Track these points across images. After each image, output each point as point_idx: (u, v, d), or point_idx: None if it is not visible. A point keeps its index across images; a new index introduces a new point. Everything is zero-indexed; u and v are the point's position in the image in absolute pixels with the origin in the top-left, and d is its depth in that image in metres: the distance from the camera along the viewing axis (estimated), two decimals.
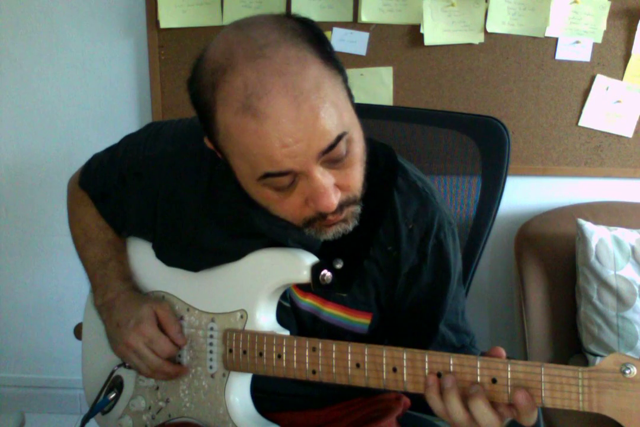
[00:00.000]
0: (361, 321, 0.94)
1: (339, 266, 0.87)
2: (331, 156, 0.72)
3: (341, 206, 0.76)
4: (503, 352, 0.76)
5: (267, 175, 0.72)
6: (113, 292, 0.97)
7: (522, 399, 0.70)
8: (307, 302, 0.94)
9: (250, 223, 0.89)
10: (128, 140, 1.03)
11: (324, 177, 0.72)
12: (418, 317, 0.95)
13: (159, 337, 0.91)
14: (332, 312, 0.93)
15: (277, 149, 0.69)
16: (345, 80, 0.75)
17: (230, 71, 0.69)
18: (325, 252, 0.88)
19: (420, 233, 0.90)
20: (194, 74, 0.75)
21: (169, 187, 0.94)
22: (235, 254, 0.92)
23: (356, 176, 0.77)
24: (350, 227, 0.80)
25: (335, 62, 0.74)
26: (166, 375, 0.94)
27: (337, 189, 0.74)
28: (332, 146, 0.71)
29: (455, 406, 0.73)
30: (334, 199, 0.73)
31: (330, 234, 0.79)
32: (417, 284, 0.92)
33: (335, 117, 0.70)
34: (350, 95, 0.76)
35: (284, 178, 0.72)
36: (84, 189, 1.08)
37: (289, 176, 0.72)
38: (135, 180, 0.98)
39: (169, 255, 0.98)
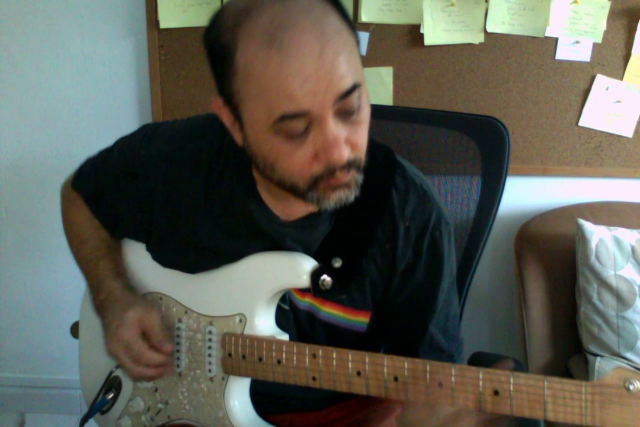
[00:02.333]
0: (360, 319, 0.94)
1: (337, 264, 0.87)
2: (345, 106, 0.72)
3: (349, 164, 0.75)
4: (510, 364, 0.76)
5: (283, 117, 0.71)
6: (104, 293, 0.96)
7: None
8: (306, 301, 0.94)
9: (248, 220, 0.89)
10: (122, 142, 1.03)
11: (337, 128, 0.73)
12: (408, 316, 0.94)
13: (134, 343, 0.89)
14: (330, 311, 0.93)
15: (298, 85, 0.69)
16: (357, 43, 0.77)
17: (256, 9, 0.71)
18: (324, 251, 0.89)
19: (417, 231, 0.90)
20: (213, 22, 0.76)
21: (165, 186, 0.94)
22: (232, 255, 0.92)
23: (364, 136, 0.77)
24: (352, 195, 0.79)
25: (351, 24, 0.75)
26: (149, 379, 0.93)
27: (347, 144, 0.74)
28: (348, 92, 0.71)
29: None
30: (345, 151, 0.73)
31: (333, 200, 0.78)
32: (411, 282, 0.92)
33: (352, 66, 0.72)
34: (360, 58, 0.77)
35: (298, 122, 0.71)
36: (77, 190, 1.08)
37: (304, 121, 0.71)
38: (128, 181, 0.97)
39: (165, 256, 0.98)
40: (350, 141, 0.75)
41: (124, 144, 1.02)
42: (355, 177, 0.78)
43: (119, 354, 0.90)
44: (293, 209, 0.88)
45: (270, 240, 0.90)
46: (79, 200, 1.07)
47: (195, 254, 0.94)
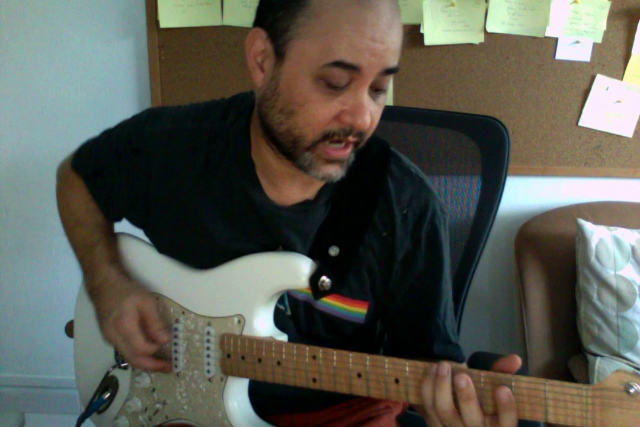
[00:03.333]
0: (357, 310, 0.94)
1: (334, 252, 0.87)
2: (379, 82, 0.76)
3: (359, 134, 0.78)
4: (519, 361, 0.74)
5: (336, 63, 0.72)
6: (99, 278, 0.96)
7: (504, 395, 0.70)
8: (305, 292, 0.93)
9: (245, 202, 0.89)
10: (126, 121, 1.03)
11: (368, 99, 0.76)
12: (415, 310, 0.94)
13: (132, 336, 0.90)
14: (327, 301, 0.92)
15: (366, 39, 0.72)
16: None
17: None
18: (321, 239, 0.89)
19: (414, 218, 0.90)
20: None
21: (164, 164, 0.94)
22: (226, 238, 0.91)
23: (378, 118, 0.80)
24: (340, 174, 0.81)
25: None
26: (147, 369, 0.94)
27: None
28: (391, 70, 0.76)
29: (445, 395, 0.72)
30: (368, 119, 0.76)
31: (322, 172, 0.80)
32: (412, 271, 0.92)
33: (400, 50, 0.77)
34: None
35: (345, 74, 0.73)
36: (76, 171, 1.07)
37: (349, 76, 0.73)
38: (131, 157, 0.97)
39: (161, 237, 0.98)
40: (370, 115, 0.77)
41: (127, 123, 1.02)
42: (351, 156, 0.81)
43: (117, 343, 0.92)
44: (288, 196, 0.88)
45: (264, 225, 0.90)
46: (77, 181, 1.06)
47: (191, 235, 0.93)
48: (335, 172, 0.80)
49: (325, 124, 0.76)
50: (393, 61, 0.75)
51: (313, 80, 0.74)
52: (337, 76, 0.73)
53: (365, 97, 0.75)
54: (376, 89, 0.77)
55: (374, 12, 0.72)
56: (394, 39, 0.74)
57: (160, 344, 0.92)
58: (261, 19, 0.79)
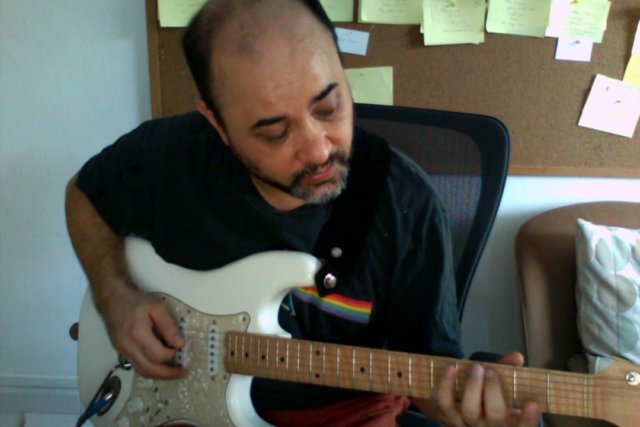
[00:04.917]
0: (361, 310, 0.94)
1: (337, 254, 0.88)
2: (322, 106, 0.73)
3: (331, 158, 0.76)
4: (521, 358, 0.76)
5: (261, 123, 0.72)
6: (106, 290, 0.97)
7: (533, 411, 0.71)
8: (309, 294, 0.94)
9: (246, 212, 0.90)
10: (125, 138, 1.04)
11: (315, 127, 0.73)
12: (413, 306, 0.94)
13: (151, 344, 0.90)
14: (331, 302, 0.93)
15: (271, 90, 0.70)
16: (335, 38, 0.77)
17: (227, 16, 0.71)
18: (323, 241, 0.89)
19: (415, 218, 0.90)
20: (190, 27, 0.76)
21: (165, 179, 0.95)
22: (233, 247, 0.92)
23: (347, 130, 0.78)
24: (337, 189, 0.80)
25: (326, 19, 0.76)
26: (162, 378, 0.94)
27: (327, 140, 0.75)
28: (323, 93, 0.72)
29: (475, 397, 0.73)
30: (325, 149, 0.74)
31: (318, 195, 0.80)
32: (413, 269, 0.92)
33: (327, 66, 0.72)
34: (340, 54, 0.78)
35: (276, 126, 0.72)
36: (81, 188, 1.09)
37: (282, 124, 0.73)
38: (131, 175, 0.98)
39: (168, 249, 0.98)
40: (331, 137, 0.76)
41: (126, 140, 1.03)
42: (340, 170, 0.80)
43: (133, 353, 0.91)
44: (288, 201, 0.89)
45: (268, 232, 0.90)
46: (82, 198, 1.08)
47: (197, 246, 0.94)
48: (330, 190, 0.80)
49: (288, 168, 0.76)
50: (318, 86, 0.71)
51: (253, 139, 0.75)
52: (271, 130, 0.73)
53: (310, 131, 0.73)
54: (324, 112, 0.74)
55: (265, 60, 0.69)
56: (306, 65, 0.70)
57: (176, 349, 0.93)
58: (199, 91, 0.80)
